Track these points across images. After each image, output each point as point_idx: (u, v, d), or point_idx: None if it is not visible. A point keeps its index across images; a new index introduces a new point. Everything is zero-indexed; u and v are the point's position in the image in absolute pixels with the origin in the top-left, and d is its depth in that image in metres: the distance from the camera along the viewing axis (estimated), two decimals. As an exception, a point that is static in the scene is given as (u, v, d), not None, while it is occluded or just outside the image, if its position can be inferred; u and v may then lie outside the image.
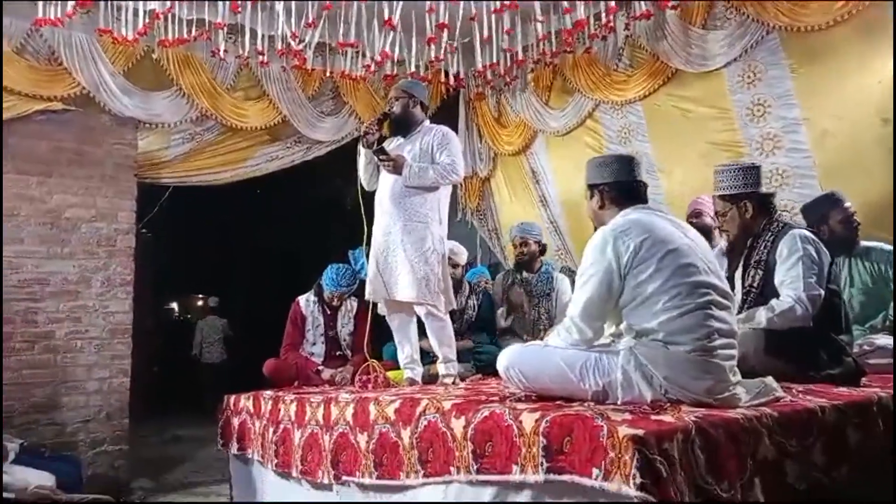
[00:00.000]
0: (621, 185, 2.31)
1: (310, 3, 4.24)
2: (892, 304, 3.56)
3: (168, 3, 4.15)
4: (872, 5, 3.72)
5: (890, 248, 3.54)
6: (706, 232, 3.38)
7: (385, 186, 3.49)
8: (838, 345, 2.58)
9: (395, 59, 4.89)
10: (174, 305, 16.21)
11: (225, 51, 4.55)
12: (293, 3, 4.18)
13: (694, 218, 3.87)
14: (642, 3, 4.41)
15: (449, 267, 3.69)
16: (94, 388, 4.48)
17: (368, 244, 3.54)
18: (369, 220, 3.52)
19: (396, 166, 3.38)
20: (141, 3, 4.10)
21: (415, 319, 3.62)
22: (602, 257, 2.10)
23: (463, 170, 3.64)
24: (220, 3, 4.15)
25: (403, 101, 3.54)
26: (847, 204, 3.52)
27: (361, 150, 3.57)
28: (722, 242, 3.73)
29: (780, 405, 2.02)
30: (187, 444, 5.94)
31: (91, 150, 4.58)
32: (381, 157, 3.40)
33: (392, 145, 3.56)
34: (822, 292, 2.59)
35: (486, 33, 4.49)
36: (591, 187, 2.37)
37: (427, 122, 3.64)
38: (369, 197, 3.60)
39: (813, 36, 4.00)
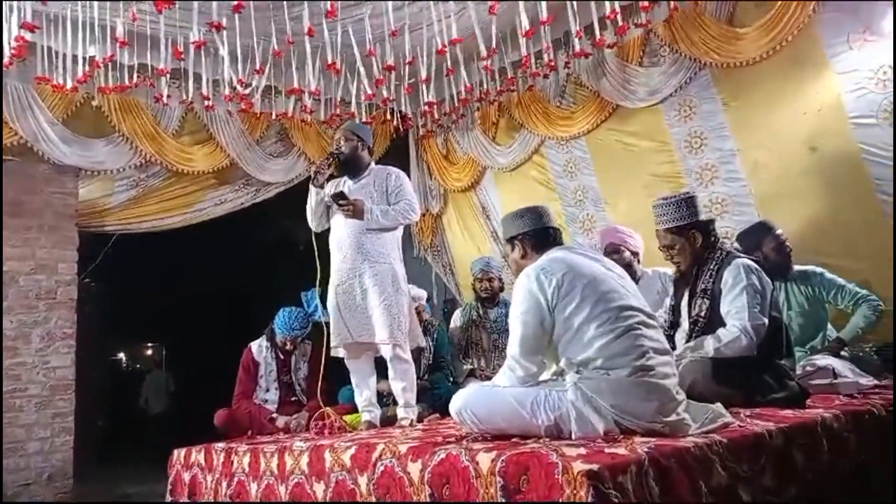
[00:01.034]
0: (537, 233, 2.42)
1: (255, 46, 4.25)
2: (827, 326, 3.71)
3: (109, 51, 4.10)
4: (796, 42, 3.94)
5: (821, 270, 3.69)
6: (626, 267, 3.45)
7: (343, 230, 3.48)
8: (782, 369, 2.65)
9: (343, 101, 4.96)
10: (122, 356, 15.67)
11: (168, 96, 4.51)
12: (238, 46, 4.19)
13: (614, 254, 3.90)
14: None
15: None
16: (35, 449, 4.28)
17: (322, 286, 3.52)
18: (323, 263, 3.50)
19: (357, 211, 3.39)
20: (80, 50, 4.03)
21: (373, 362, 3.60)
22: (529, 296, 2.19)
23: (419, 208, 3.71)
24: (163, 49, 4.11)
25: (353, 144, 3.57)
26: (779, 231, 3.67)
27: (312, 190, 3.56)
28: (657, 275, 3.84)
29: (730, 431, 2.06)
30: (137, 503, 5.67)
31: (29, 200, 4.46)
32: (340, 201, 3.41)
33: (342, 188, 3.56)
34: (766, 321, 2.66)
35: (430, 74, 4.57)
36: (511, 240, 2.49)
37: (374, 165, 3.68)
38: (323, 239, 3.58)
39: (742, 71, 4.20)
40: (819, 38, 3.89)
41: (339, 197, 3.41)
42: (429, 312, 4.74)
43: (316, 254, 3.48)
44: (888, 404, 2.61)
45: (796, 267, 3.72)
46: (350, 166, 3.59)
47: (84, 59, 4.11)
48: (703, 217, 2.93)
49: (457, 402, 2.32)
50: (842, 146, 3.87)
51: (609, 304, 2.12)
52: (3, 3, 3.81)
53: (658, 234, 2.96)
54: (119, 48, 3.99)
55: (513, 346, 2.26)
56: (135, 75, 4.39)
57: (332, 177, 3.58)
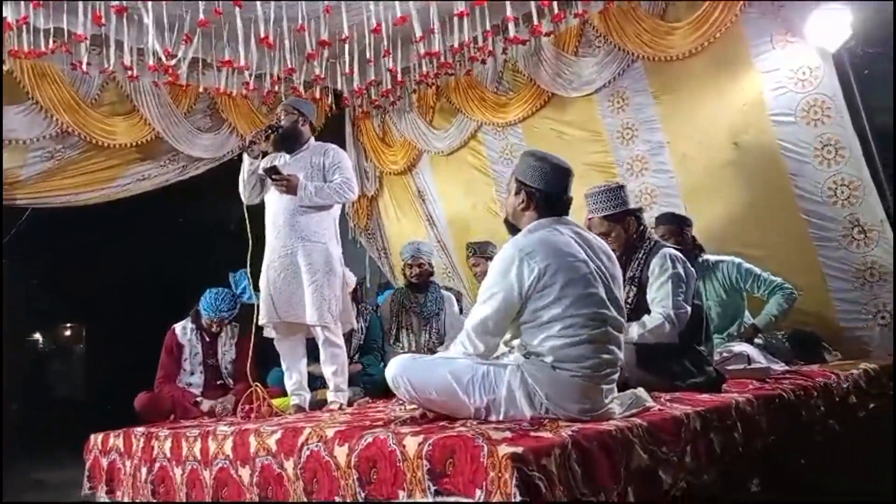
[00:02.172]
0: (552, 197, 2.23)
1: (182, 15, 4.06)
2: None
3: (22, 13, 3.83)
4: (724, 39, 4.07)
5: (739, 260, 3.85)
6: None
7: (278, 206, 3.39)
8: (701, 355, 2.76)
9: (278, 77, 4.82)
10: (38, 336, 14.90)
11: (88, 63, 4.27)
12: (165, 15, 3.99)
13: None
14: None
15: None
16: (-65, 434, 4.02)
17: (252, 265, 3.42)
18: (255, 241, 3.39)
19: (290, 186, 3.31)
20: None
21: (304, 345, 3.53)
22: (505, 279, 2.08)
23: (357, 188, 3.64)
24: (81, 14, 3.87)
25: (293, 118, 3.49)
26: (684, 227, 3.78)
27: (245, 160, 3.45)
28: None
29: (650, 415, 2.12)
30: (50, 490, 5.43)
31: (-70, 170, 4.14)
32: (273, 176, 3.30)
33: (278, 162, 3.46)
34: (689, 309, 2.77)
35: (367, 53, 4.50)
36: (522, 184, 2.25)
37: (313, 141, 3.60)
38: (254, 214, 3.46)
39: (672, 66, 4.33)
40: (745, 37, 4.04)
41: (273, 171, 3.31)
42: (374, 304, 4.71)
43: (248, 231, 3.36)
44: (797, 388, 2.77)
45: (714, 257, 3.87)
46: (288, 141, 3.50)
47: (-3, 20, 3.83)
48: (633, 205, 3.02)
49: (392, 369, 2.26)
50: (762, 142, 4.04)
51: (582, 310, 2.06)
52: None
53: (592, 223, 2.99)
54: (33, 10, 3.73)
55: (473, 320, 2.15)
56: (51, 40, 4.12)
57: (265, 154, 3.48)
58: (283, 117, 3.50)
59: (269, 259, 3.39)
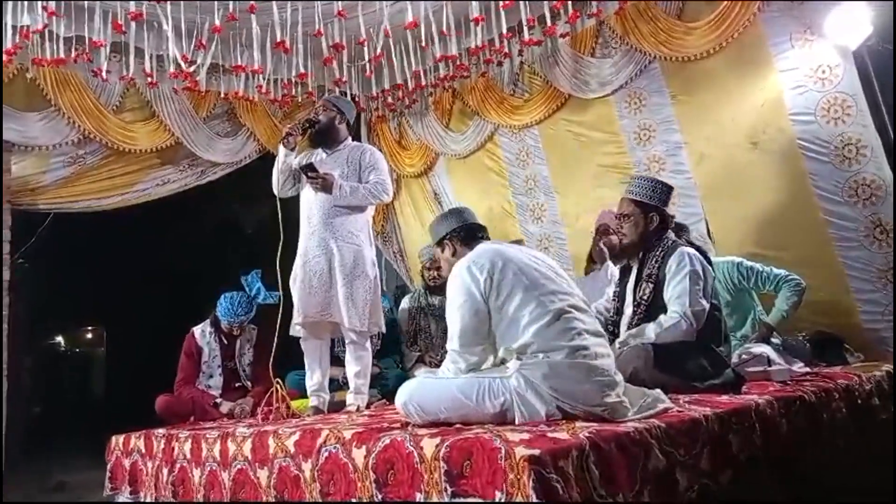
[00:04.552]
0: (465, 230, 2.49)
1: (199, 22, 4.11)
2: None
3: (44, 21, 3.89)
4: (742, 39, 4.04)
5: (740, 259, 3.80)
6: (610, 250, 3.53)
7: (313, 205, 3.39)
8: (718, 356, 2.74)
9: (289, 81, 4.86)
10: (59, 339, 15.13)
11: (108, 71, 4.33)
12: (183, 21, 4.04)
13: (604, 235, 3.97)
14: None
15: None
16: (-40, 437, 4.09)
17: (272, 264, 3.42)
18: (277, 241, 3.38)
19: (326, 185, 3.31)
20: (10, 19, 3.82)
21: (328, 346, 3.54)
22: (463, 289, 2.22)
23: (392, 190, 3.63)
24: (98, 20, 3.93)
25: (331, 115, 3.49)
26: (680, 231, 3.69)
27: (281, 152, 3.46)
28: (609, 266, 3.86)
29: (668, 416, 2.11)
30: (72, 492, 5.50)
31: (-44, 176, 4.22)
32: (309, 174, 3.30)
33: (315, 159, 3.46)
34: (706, 306, 2.76)
35: (383, 57, 4.52)
36: (440, 241, 2.53)
37: (350, 140, 3.60)
38: (289, 212, 3.46)
39: (690, 66, 4.30)
40: (763, 36, 4.00)
41: (309, 168, 3.30)
42: (386, 306, 4.71)
43: (281, 226, 3.32)
44: (819, 390, 2.73)
45: (717, 259, 3.82)
46: (325, 138, 3.49)
47: (15, 28, 3.89)
48: (668, 209, 3.01)
49: (402, 395, 2.32)
50: (781, 141, 3.99)
51: (540, 290, 2.18)
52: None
53: (622, 202, 3.03)
54: (49, 18, 3.79)
55: (452, 341, 2.28)
56: (72, 48, 4.19)
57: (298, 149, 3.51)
58: (321, 112, 3.49)
59: (305, 258, 3.39)
